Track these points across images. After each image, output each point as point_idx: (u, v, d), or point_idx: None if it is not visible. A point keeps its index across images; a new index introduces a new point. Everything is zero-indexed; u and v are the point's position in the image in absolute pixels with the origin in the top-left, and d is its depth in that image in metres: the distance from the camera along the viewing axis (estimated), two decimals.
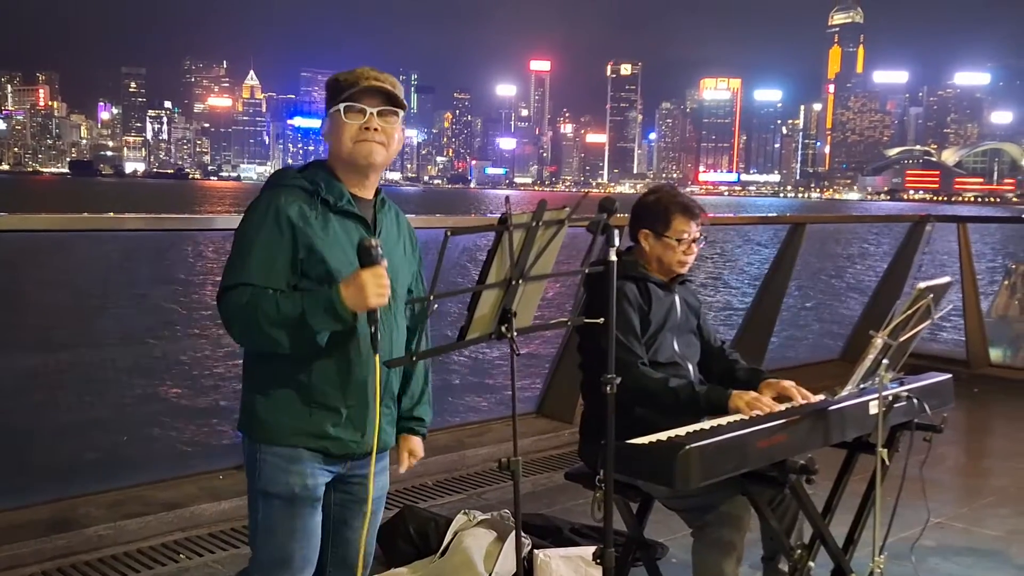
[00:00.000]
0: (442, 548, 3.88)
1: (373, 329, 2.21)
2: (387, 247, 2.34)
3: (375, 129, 2.36)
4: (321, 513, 2.46)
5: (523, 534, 3.67)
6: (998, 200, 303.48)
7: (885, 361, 2.92)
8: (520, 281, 2.21)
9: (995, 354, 8.82)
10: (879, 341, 2.86)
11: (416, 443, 2.67)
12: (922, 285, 2.90)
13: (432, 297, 2.11)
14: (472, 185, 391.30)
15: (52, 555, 3.90)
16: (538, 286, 2.29)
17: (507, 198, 2.14)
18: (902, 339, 2.93)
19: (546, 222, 2.17)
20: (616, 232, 2.43)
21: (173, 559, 4.01)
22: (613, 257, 2.43)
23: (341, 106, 2.34)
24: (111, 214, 4.57)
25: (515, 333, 2.23)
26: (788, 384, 3.11)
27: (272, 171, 2.54)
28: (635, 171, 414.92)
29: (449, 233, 1.98)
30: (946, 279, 3.08)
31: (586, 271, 2.50)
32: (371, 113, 2.36)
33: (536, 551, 3.77)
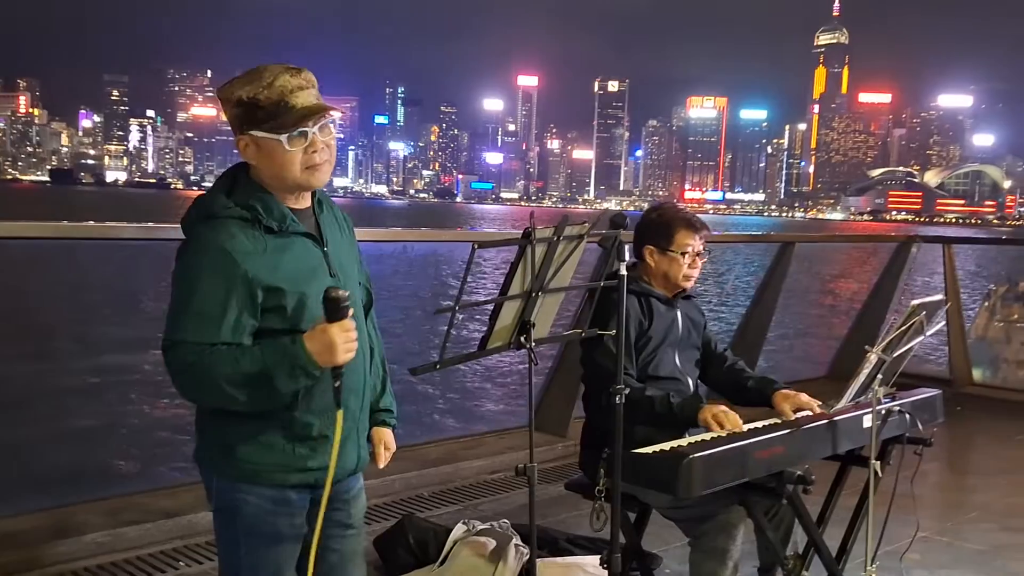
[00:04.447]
0: (441, 557, 3.92)
1: (337, 384, 2.03)
2: (336, 251, 2.22)
3: (321, 149, 2.12)
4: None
5: (522, 544, 3.74)
6: (979, 222, 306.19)
7: (879, 376, 3.01)
8: (540, 293, 2.27)
9: (976, 374, 8.95)
10: (873, 356, 2.94)
11: (389, 435, 2.51)
12: (916, 302, 2.99)
13: (457, 307, 2.15)
14: (458, 199, 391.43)
15: (51, 562, 3.91)
16: (556, 298, 2.35)
17: (532, 213, 2.22)
18: (895, 355, 3.02)
19: (566, 237, 2.24)
20: (626, 247, 2.51)
21: (172, 566, 4.02)
22: (623, 271, 2.51)
23: (283, 137, 2.05)
24: (91, 223, 4.50)
25: (534, 343, 2.29)
26: (805, 398, 3.19)
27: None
28: (621, 188, 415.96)
29: (476, 246, 2.04)
30: (939, 297, 3.17)
31: (602, 284, 2.57)
32: (314, 134, 2.09)
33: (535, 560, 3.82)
